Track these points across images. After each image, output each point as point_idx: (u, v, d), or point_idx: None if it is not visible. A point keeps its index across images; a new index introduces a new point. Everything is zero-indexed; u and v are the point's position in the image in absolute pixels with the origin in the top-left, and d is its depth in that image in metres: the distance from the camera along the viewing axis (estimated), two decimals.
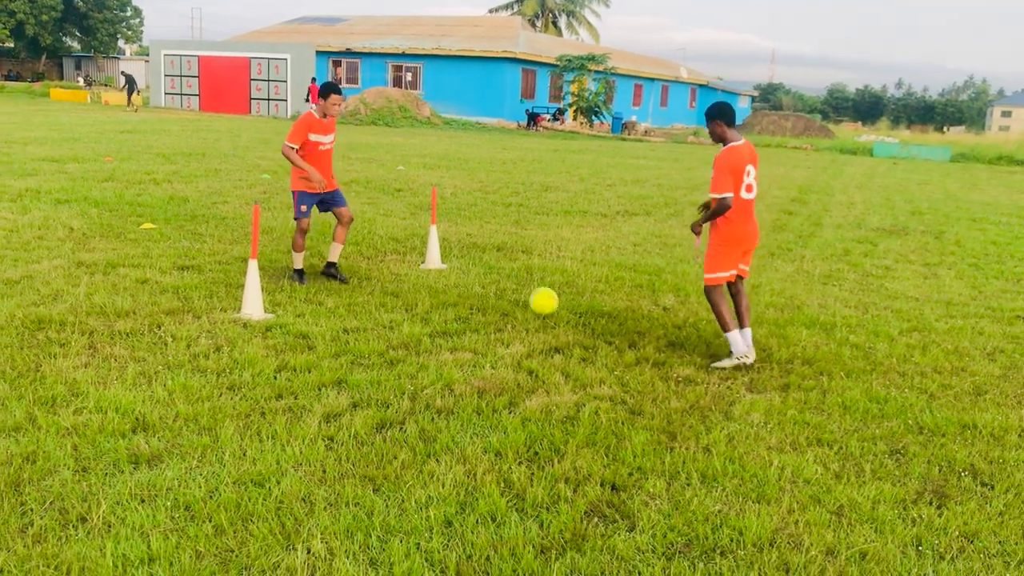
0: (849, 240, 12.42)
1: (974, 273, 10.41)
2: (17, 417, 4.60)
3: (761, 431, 5.04)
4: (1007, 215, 16.72)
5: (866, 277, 9.80)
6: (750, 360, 6.19)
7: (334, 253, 8.22)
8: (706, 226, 6.37)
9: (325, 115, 7.79)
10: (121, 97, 43.85)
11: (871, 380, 6.07)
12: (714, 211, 6.11)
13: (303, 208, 7.92)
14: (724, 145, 6.18)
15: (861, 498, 4.24)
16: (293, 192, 7.94)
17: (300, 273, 8.02)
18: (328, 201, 8.08)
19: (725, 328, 6.24)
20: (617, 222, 13.09)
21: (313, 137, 7.71)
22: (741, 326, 6.36)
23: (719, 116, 6.16)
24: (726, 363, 6.18)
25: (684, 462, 4.54)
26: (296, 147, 7.63)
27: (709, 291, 6.33)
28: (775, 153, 37.20)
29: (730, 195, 6.03)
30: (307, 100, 40.15)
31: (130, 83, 40.94)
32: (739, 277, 6.42)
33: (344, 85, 50.80)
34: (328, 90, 7.73)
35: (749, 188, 6.17)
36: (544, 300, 7.05)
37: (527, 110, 46.16)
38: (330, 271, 8.20)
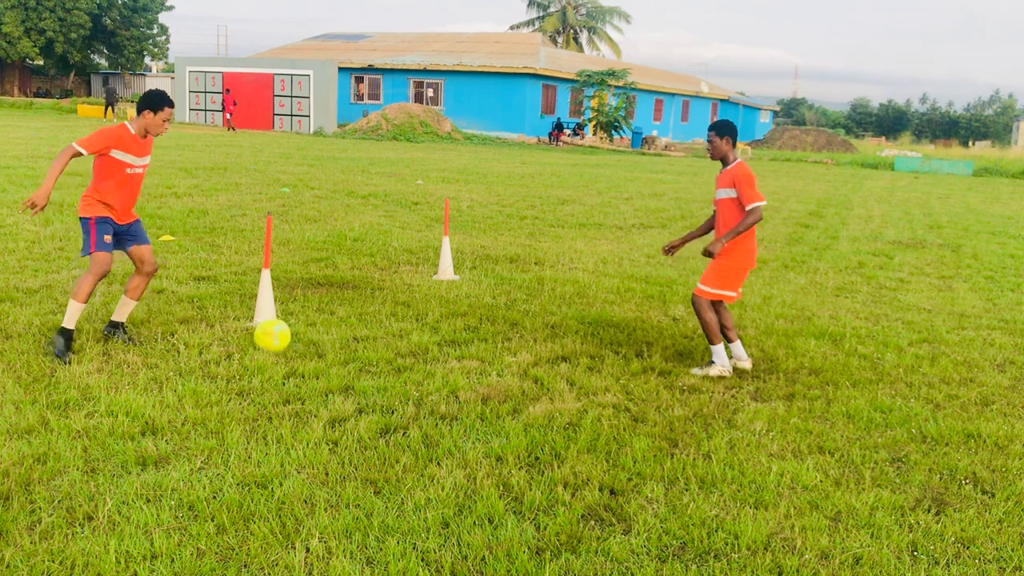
0: (865, 253, 12.39)
1: (989, 286, 10.36)
2: (30, 420, 4.71)
3: (763, 439, 5.06)
4: None
5: (879, 289, 9.79)
6: (730, 374, 6.19)
7: (123, 311, 6.32)
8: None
9: (146, 133, 6.08)
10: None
11: (877, 390, 6.08)
12: (750, 219, 6.02)
13: (106, 239, 5.98)
14: (725, 162, 6.20)
15: (859, 504, 4.26)
16: (87, 219, 5.96)
17: (68, 337, 5.91)
18: (125, 237, 6.19)
19: (712, 341, 6.20)
20: (632, 235, 13.14)
21: (119, 155, 5.93)
22: (730, 341, 6.38)
23: (729, 134, 6.15)
24: (705, 371, 6.18)
25: (684, 468, 4.57)
26: (85, 153, 5.80)
27: (698, 302, 6.23)
28: (795, 167, 37.11)
29: (765, 203, 6.09)
30: (223, 111, 41.95)
31: (109, 95, 43.77)
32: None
33: (366, 101, 51.29)
34: (161, 102, 6.01)
35: None
36: (265, 340, 6.16)
37: (557, 119, 46.35)
38: (113, 331, 6.31)
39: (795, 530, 3.97)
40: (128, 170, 6.01)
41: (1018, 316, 8.69)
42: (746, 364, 6.38)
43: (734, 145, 6.22)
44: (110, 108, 43.54)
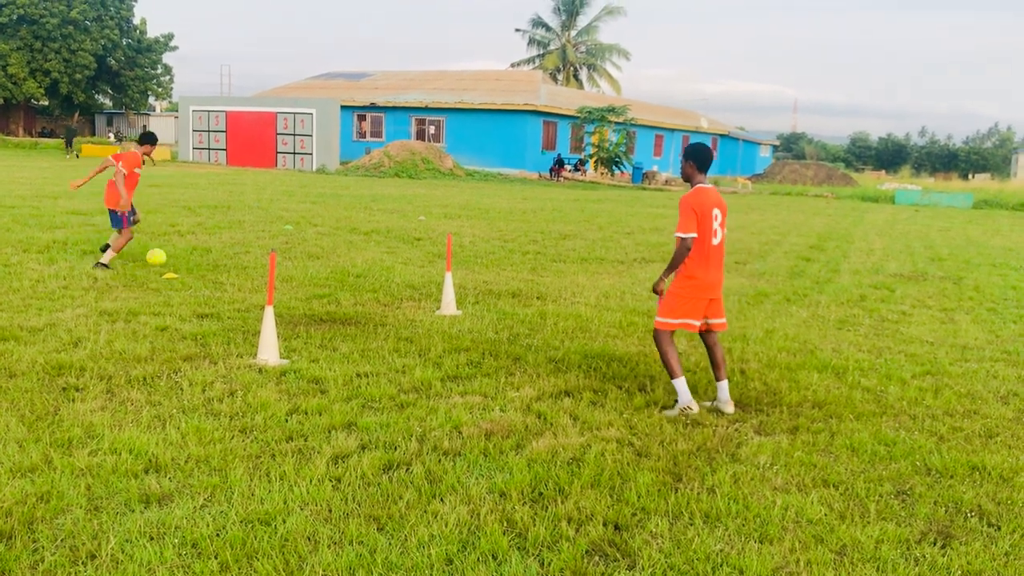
0: (866, 286, 12.41)
1: (992, 318, 10.37)
2: (34, 458, 4.71)
3: (767, 472, 5.05)
4: None
5: (882, 322, 9.79)
6: (694, 410, 6.00)
7: (107, 255, 10.88)
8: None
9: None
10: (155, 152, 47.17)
11: (881, 423, 6.07)
12: (676, 253, 6.00)
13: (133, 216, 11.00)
14: (692, 186, 6.14)
15: (864, 538, 4.24)
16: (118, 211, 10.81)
17: (104, 267, 10.60)
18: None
19: (673, 375, 6.08)
20: (634, 269, 13.18)
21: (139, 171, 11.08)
22: (717, 379, 6.25)
23: (691, 157, 6.10)
24: (673, 412, 6.04)
25: (688, 502, 4.56)
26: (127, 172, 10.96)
27: (658, 335, 6.15)
28: (795, 201, 37.26)
29: (693, 235, 5.94)
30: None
31: (69, 135, 48.35)
32: (710, 330, 6.28)
33: (368, 138, 51.70)
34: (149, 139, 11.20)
35: (715, 233, 6.05)
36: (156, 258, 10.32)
37: (558, 155, 46.73)
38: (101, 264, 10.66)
39: (800, 564, 3.95)
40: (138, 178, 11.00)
41: (1021, 348, 8.68)
42: (728, 408, 6.19)
43: (697, 168, 6.11)
44: (68, 147, 47.80)
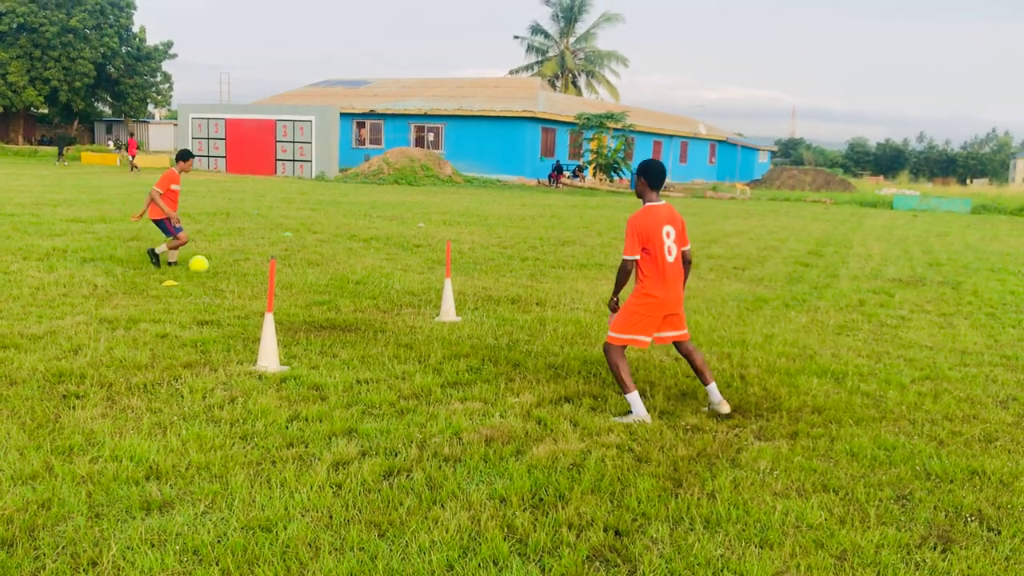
0: (865, 291, 12.43)
1: (991, 323, 10.39)
2: (35, 466, 4.72)
3: (767, 477, 5.05)
4: None
5: (881, 327, 9.81)
6: (648, 422, 5.91)
7: (169, 251, 11.81)
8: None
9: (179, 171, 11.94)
10: (145, 160, 47.72)
11: (880, 427, 6.07)
12: (619, 273, 6.05)
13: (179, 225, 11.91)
14: (643, 203, 6.10)
15: (865, 543, 4.24)
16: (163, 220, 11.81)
17: (156, 259, 11.63)
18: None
19: (625, 390, 6.04)
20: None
21: (175, 187, 11.86)
22: (704, 383, 6.23)
23: (643, 174, 6.07)
24: (625, 420, 5.96)
25: (688, 507, 4.56)
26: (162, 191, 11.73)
27: (608, 349, 6.12)
28: (794, 207, 37.31)
29: (634, 258, 5.95)
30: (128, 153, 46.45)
31: (61, 143, 50.83)
32: (681, 342, 6.27)
33: (368, 145, 51.77)
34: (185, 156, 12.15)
35: (669, 251, 6.01)
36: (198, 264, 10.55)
37: (556, 162, 46.82)
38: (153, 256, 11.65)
39: (801, 569, 3.95)
40: (178, 194, 12.03)
41: (1020, 352, 8.70)
42: (725, 408, 6.16)
43: (649, 186, 6.07)
44: (60, 155, 48.63)
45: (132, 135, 54.03)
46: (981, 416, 6.46)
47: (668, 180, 49.90)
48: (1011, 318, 10.72)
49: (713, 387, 6.26)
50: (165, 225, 11.83)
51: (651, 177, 6.07)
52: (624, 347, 6.16)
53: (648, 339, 6.15)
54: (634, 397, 6.05)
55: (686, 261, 6.28)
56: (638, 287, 6.09)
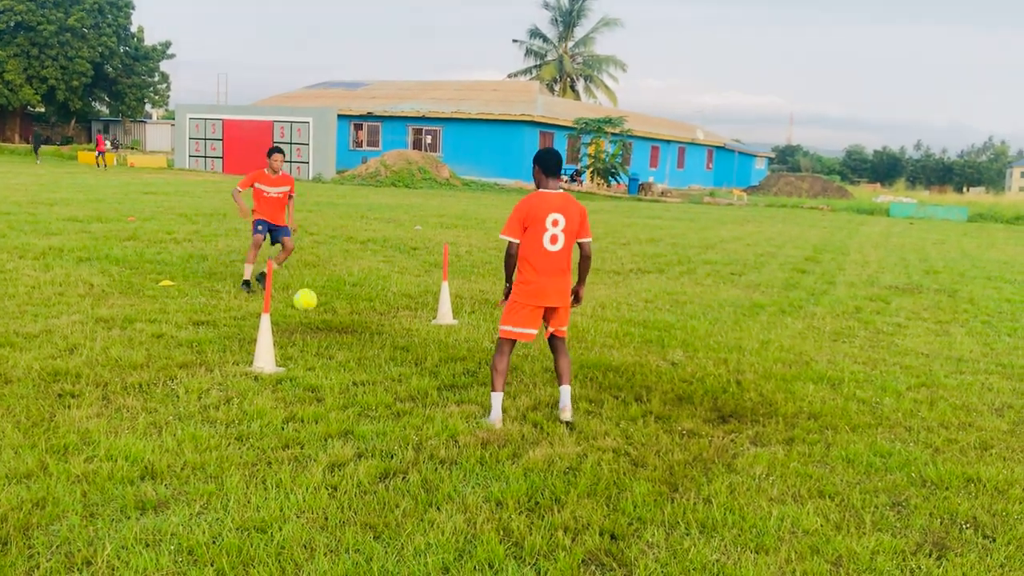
0: (861, 298, 12.45)
1: (986, 330, 10.40)
2: (29, 464, 4.71)
3: (763, 483, 5.06)
4: (1023, 273, 16.69)
5: (877, 334, 9.82)
6: (497, 427, 5.78)
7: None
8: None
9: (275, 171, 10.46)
10: (145, 159, 47.32)
11: (876, 434, 6.08)
12: (504, 258, 6.00)
13: (259, 227, 10.44)
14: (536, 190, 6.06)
15: (860, 549, 4.25)
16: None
17: (248, 284, 10.36)
18: (275, 233, 10.69)
19: (492, 387, 5.96)
20: (630, 279, 13.20)
21: (259, 186, 10.42)
22: (560, 383, 6.12)
23: (537, 162, 6.01)
24: (485, 421, 5.91)
25: (684, 512, 4.56)
26: (241, 189, 10.41)
27: (498, 343, 6.09)
28: (791, 214, 37.37)
29: (514, 241, 5.88)
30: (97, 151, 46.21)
31: (36, 141, 48.81)
32: (555, 336, 6.18)
33: (365, 148, 51.73)
34: (271, 151, 10.45)
35: (554, 239, 5.89)
36: (306, 299, 9.06)
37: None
38: (250, 286, 10.41)
39: (796, 575, 3.95)
40: (264, 193, 10.47)
41: (1015, 360, 8.71)
42: (564, 415, 6.00)
43: (544, 173, 5.99)
44: (35, 153, 48.02)
45: (100, 132, 54.44)
46: (976, 424, 6.47)
47: (664, 185, 50.08)
48: (1007, 326, 10.74)
49: (566, 389, 6.10)
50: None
51: (544, 164, 6.00)
52: (512, 342, 6.07)
53: (533, 332, 6.03)
54: (496, 398, 5.95)
55: (584, 256, 6.18)
56: (517, 275, 6.02)
